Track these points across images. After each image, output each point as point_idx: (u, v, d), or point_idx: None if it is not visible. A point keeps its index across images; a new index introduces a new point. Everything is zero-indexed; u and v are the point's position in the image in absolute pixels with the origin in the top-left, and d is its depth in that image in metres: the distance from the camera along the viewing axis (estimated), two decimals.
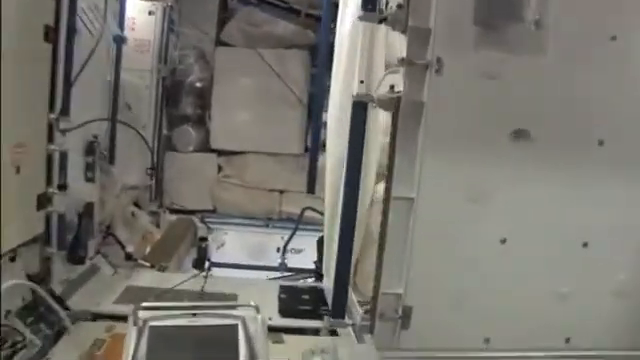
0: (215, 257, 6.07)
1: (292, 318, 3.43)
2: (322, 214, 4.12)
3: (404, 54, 2.48)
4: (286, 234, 6.12)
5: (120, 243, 4.05)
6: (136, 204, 5.79)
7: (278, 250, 6.16)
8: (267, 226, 6.28)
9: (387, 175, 2.60)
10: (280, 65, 6.11)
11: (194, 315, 2.39)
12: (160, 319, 2.33)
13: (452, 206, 2.63)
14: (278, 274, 5.03)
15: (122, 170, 4.61)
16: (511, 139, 2.61)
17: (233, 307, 2.48)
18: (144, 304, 2.37)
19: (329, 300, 3.47)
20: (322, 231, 4.96)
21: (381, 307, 2.63)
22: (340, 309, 3.15)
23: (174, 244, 5.15)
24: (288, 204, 6.28)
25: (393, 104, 2.54)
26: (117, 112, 4.19)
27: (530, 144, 2.62)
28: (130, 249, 3.99)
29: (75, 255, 3.33)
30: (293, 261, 5.88)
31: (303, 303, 3.65)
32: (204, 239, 5.99)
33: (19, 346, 2.56)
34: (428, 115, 2.50)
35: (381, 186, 2.95)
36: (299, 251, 6.06)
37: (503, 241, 2.68)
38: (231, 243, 6.18)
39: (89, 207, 3.60)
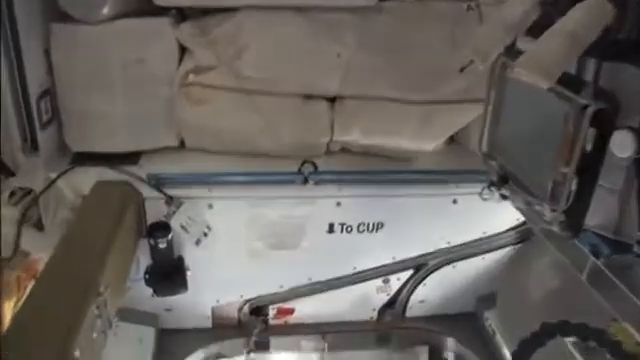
0: (194, 262, 2.77)
1: None
2: None
3: None
4: (346, 195, 2.71)
5: None
6: None
7: (331, 229, 2.82)
8: (305, 181, 2.68)
9: None
10: None
11: None
12: None
13: None
14: None
15: None
16: None
17: None
18: None
19: None
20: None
21: None
22: None
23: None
24: (349, 124, 2.72)
25: None
26: None
27: None
28: None
29: None
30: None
31: None
32: (162, 227, 2.67)
33: None
34: None
35: None
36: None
37: None
38: (226, 228, 2.71)
39: None
